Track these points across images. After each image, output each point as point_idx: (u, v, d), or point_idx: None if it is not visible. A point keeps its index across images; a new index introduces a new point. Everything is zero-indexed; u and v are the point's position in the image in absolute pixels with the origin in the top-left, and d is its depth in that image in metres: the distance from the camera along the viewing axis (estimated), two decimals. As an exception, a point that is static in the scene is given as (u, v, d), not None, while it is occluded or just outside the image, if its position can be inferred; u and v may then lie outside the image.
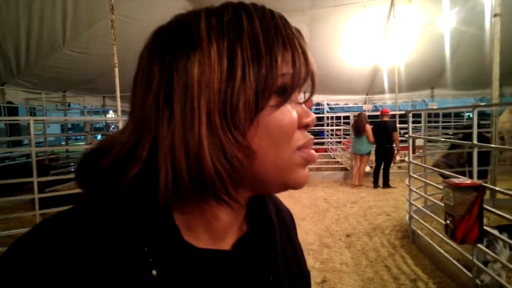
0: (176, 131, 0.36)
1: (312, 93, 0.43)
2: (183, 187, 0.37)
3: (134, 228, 0.38)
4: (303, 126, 0.42)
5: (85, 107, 10.74)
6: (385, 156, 7.24)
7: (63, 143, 12.70)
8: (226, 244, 0.45)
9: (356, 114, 7.95)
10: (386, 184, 7.31)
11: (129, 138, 0.39)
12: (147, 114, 0.38)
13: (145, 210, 0.38)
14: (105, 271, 0.36)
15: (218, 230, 0.43)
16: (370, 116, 10.26)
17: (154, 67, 0.38)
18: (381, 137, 7.17)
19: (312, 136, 0.43)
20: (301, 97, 0.44)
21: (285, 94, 0.39)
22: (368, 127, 7.32)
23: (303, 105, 0.43)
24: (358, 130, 7.46)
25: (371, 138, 7.26)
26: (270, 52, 0.38)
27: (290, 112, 0.40)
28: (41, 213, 3.87)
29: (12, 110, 8.46)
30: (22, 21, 6.00)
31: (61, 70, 7.67)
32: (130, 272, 0.37)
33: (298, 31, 0.42)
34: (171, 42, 0.38)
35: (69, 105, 10.50)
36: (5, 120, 7.19)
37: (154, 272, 0.38)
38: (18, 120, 6.98)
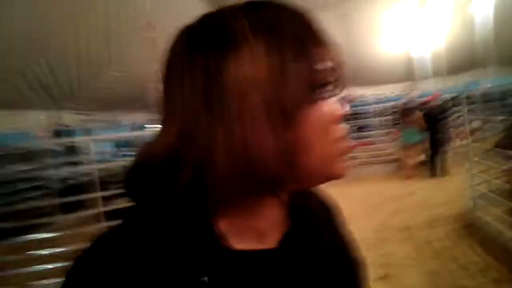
0: (234, 132, 0.36)
1: (343, 86, 0.44)
2: (242, 189, 0.38)
3: (185, 236, 0.39)
4: (339, 118, 0.43)
5: (134, 123, 11.24)
6: (439, 143, 6.87)
7: (118, 158, 13.35)
8: (272, 241, 0.45)
9: (405, 102, 7.62)
10: (442, 172, 6.92)
11: (173, 144, 0.39)
12: (194, 118, 0.38)
13: (194, 217, 0.39)
14: (161, 280, 0.37)
15: (264, 228, 0.44)
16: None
17: (195, 68, 0.38)
18: (433, 123, 6.81)
19: (348, 127, 0.44)
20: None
21: (325, 88, 0.41)
22: (418, 114, 6.98)
23: (337, 99, 0.44)
24: (406, 118, 7.16)
25: (423, 125, 6.92)
26: (312, 48, 0.39)
27: (330, 106, 0.42)
28: (108, 226, 4.08)
29: (68, 133, 9.07)
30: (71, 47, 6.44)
31: (109, 90, 8.13)
32: (184, 280, 0.37)
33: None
34: (213, 40, 0.38)
35: (120, 123, 11.04)
36: (66, 142, 7.70)
37: (205, 278, 0.38)
38: (74, 142, 7.45)
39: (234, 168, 0.36)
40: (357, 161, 8.95)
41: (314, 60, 0.39)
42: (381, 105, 10.57)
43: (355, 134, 12.20)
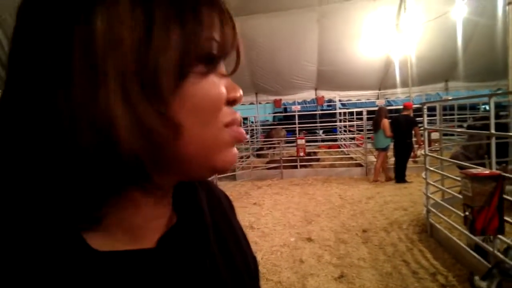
0: (76, 103, 0.28)
1: (236, 67, 0.39)
2: (90, 178, 0.30)
3: (31, 242, 0.30)
4: (231, 101, 0.38)
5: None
6: (403, 150, 7.12)
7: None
8: (150, 241, 0.37)
9: (379, 108, 7.84)
10: (402, 179, 7.20)
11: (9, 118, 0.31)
12: (34, 83, 0.30)
13: (37, 213, 0.31)
14: None
15: (138, 226, 0.36)
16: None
17: (44, 23, 0.30)
18: (399, 131, 7.02)
19: (239, 113, 0.39)
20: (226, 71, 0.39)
21: (212, 62, 0.35)
22: (385, 121, 7.22)
23: (230, 79, 0.38)
24: (375, 124, 7.39)
25: (388, 132, 7.15)
26: (194, 10, 0.33)
27: (217, 84, 0.36)
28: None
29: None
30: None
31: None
32: None
33: None
34: None
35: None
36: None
37: None
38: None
39: (81, 152, 0.29)
40: (323, 163, 9.16)
41: (194, 25, 0.32)
42: (348, 110, 10.86)
43: (321, 137, 12.45)
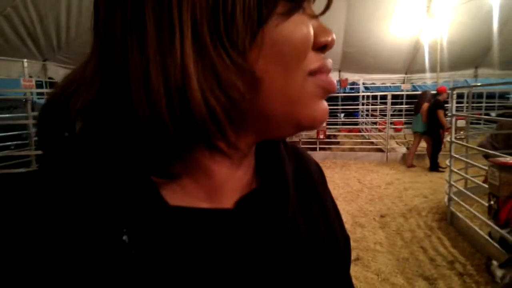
0: (150, 55, 0.26)
1: (329, 5, 0.33)
2: (164, 133, 0.28)
3: (102, 187, 0.30)
4: (319, 47, 0.33)
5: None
6: (433, 137, 6.89)
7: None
8: (228, 202, 0.35)
9: (423, 92, 7.59)
10: (434, 168, 6.90)
11: (94, 75, 0.30)
12: (113, 39, 0.28)
13: (115, 165, 0.30)
14: (68, 239, 0.27)
15: (215, 186, 0.34)
16: (408, 96, 9.93)
17: None
18: (432, 117, 6.76)
19: (329, 60, 0.34)
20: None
21: (292, 1, 0.30)
22: (425, 106, 6.97)
23: (319, 20, 0.33)
24: (416, 107, 7.20)
25: (424, 118, 6.93)
26: None
27: (304, 24, 0.30)
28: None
29: (53, 86, 8.82)
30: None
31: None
32: (98, 240, 0.28)
33: None
34: None
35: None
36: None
37: (125, 238, 0.29)
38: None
39: (155, 105, 0.27)
40: (343, 147, 9.06)
41: None
42: (371, 94, 10.63)
43: (342, 120, 12.27)
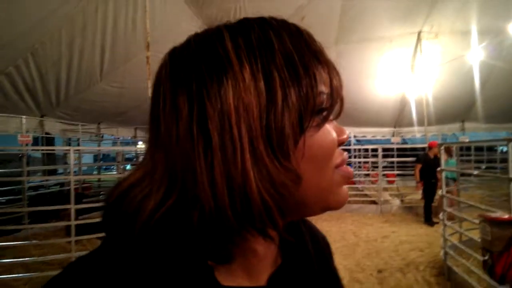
0: (216, 164, 0.33)
1: (340, 112, 0.42)
2: (226, 225, 0.34)
3: (164, 271, 0.35)
4: (339, 144, 0.41)
5: (117, 138, 11.15)
6: (428, 190, 6.95)
7: (95, 172, 13.11)
8: (262, 279, 0.42)
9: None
10: (428, 220, 6.91)
11: (162, 178, 0.36)
12: (181, 150, 0.34)
13: (177, 252, 0.36)
14: None
15: (255, 265, 0.41)
16: (398, 149, 10.12)
17: (180, 96, 0.35)
18: (427, 171, 6.86)
19: (346, 152, 0.42)
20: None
21: (324, 113, 0.38)
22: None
23: (335, 122, 0.42)
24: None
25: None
26: (307, 70, 0.36)
27: (330, 132, 0.39)
28: (76, 239, 3.98)
29: (50, 141, 8.87)
30: (64, 57, 6.30)
31: (97, 102, 8.04)
32: None
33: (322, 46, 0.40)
34: (196, 66, 0.35)
35: (102, 136, 10.93)
36: (45, 150, 7.51)
37: None
38: (54, 150, 7.23)
39: (220, 204, 0.33)
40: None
41: (308, 84, 0.36)
42: (363, 147, 10.81)
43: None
